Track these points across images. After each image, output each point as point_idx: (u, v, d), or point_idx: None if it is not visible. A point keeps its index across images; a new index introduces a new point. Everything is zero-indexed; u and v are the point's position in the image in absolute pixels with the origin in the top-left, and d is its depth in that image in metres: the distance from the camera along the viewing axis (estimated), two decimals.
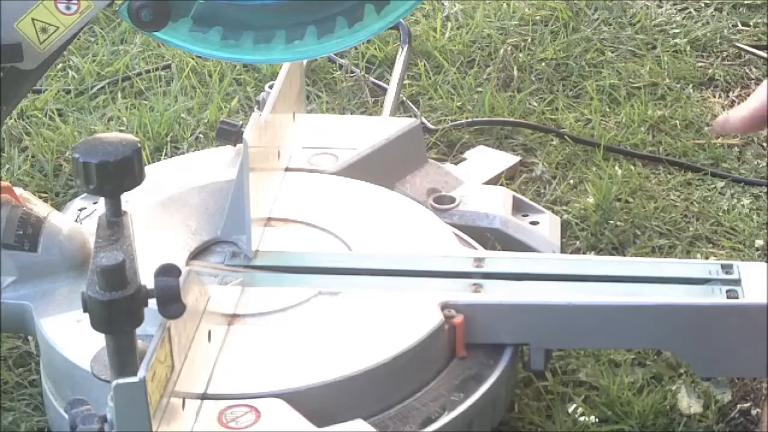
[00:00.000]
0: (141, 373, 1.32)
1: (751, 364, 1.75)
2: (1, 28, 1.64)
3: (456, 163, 2.38)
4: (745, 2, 3.03)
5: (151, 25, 1.66)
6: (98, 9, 1.66)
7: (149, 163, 2.26)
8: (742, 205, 2.35)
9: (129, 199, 1.52)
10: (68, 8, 1.65)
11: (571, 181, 2.40)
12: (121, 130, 2.56)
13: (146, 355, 1.35)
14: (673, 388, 1.90)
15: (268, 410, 1.57)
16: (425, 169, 2.21)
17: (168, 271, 1.36)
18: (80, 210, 1.95)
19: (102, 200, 1.48)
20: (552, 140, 2.53)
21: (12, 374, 1.97)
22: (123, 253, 1.37)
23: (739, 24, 2.95)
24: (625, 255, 2.21)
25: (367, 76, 2.76)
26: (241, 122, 2.03)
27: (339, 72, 2.77)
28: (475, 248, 1.95)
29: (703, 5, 3.03)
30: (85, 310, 1.35)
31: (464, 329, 1.73)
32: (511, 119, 2.59)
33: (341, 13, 1.70)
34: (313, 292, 1.77)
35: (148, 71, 2.79)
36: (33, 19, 1.64)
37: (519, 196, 2.22)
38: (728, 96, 2.70)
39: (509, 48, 2.83)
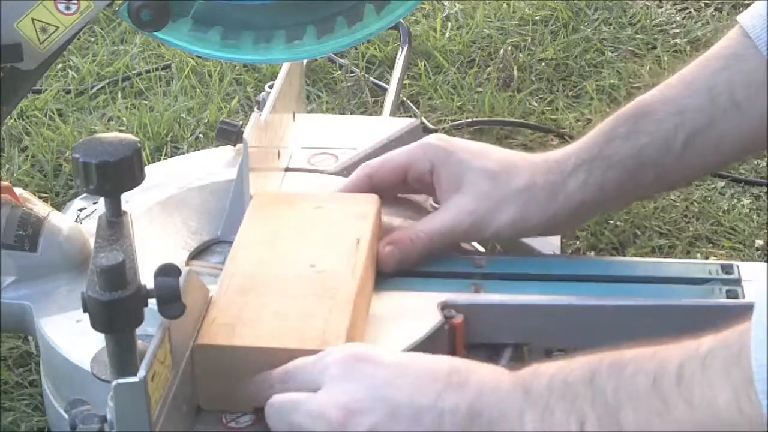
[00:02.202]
0: (141, 373, 1.32)
1: None
2: (1, 28, 1.64)
3: None
4: (745, 2, 3.02)
5: (151, 25, 1.66)
6: (98, 9, 1.66)
7: (149, 163, 2.26)
8: (742, 205, 2.35)
9: (129, 199, 1.52)
10: (68, 8, 1.65)
11: None
12: (121, 130, 2.56)
13: (146, 355, 1.34)
14: None
15: None
16: None
17: (168, 271, 1.36)
18: (80, 210, 1.95)
19: (102, 200, 1.48)
20: (552, 140, 2.53)
21: (12, 374, 1.97)
22: (123, 253, 1.36)
23: None
24: (625, 255, 2.20)
25: (367, 76, 2.76)
26: (241, 122, 2.02)
27: (339, 72, 2.77)
28: (475, 248, 1.95)
29: (703, 5, 3.03)
30: (85, 310, 1.35)
31: (464, 329, 1.73)
32: (511, 119, 2.59)
33: (341, 13, 1.70)
34: None
35: (148, 71, 2.79)
36: (33, 19, 1.64)
37: None
38: None
39: (509, 48, 2.83)
